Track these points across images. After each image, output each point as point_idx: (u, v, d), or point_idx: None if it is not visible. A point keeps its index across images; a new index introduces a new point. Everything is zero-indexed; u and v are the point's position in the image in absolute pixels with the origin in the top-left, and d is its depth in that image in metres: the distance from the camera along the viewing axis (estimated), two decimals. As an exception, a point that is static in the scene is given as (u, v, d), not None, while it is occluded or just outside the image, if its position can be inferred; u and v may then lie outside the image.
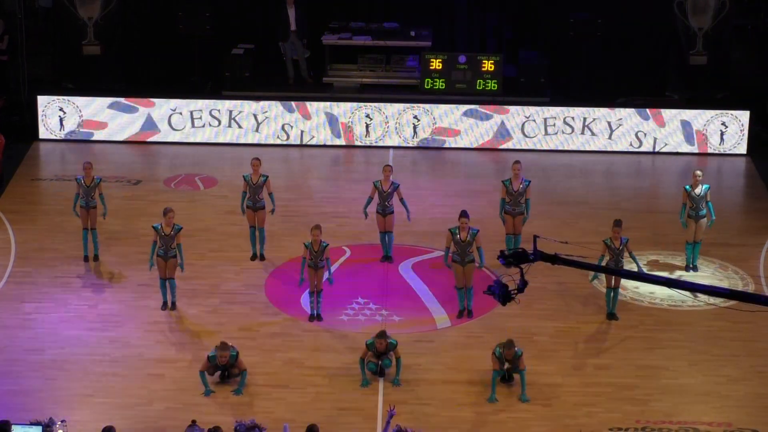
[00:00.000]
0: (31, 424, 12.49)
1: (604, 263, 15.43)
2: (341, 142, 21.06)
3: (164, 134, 21.12)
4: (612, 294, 15.74)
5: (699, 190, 16.68)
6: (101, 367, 14.60)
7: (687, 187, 16.76)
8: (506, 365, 14.22)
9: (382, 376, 14.25)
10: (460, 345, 15.29)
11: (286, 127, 21.05)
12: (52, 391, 14.14)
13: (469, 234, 15.60)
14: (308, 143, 21.06)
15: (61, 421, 12.77)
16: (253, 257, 17.10)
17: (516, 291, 10.21)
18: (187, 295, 15.95)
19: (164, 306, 15.84)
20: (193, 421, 12.92)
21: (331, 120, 21.04)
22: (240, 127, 21.06)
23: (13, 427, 12.16)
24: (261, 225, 16.99)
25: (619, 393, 14.32)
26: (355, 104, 21.01)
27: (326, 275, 15.54)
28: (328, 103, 21.05)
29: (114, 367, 14.61)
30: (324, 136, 21.08)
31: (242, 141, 21.08)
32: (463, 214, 15.69)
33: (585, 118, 20.91)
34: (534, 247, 10.23)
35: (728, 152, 21.03)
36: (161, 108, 21.05)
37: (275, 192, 17.17)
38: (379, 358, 14.43)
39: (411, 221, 17.09)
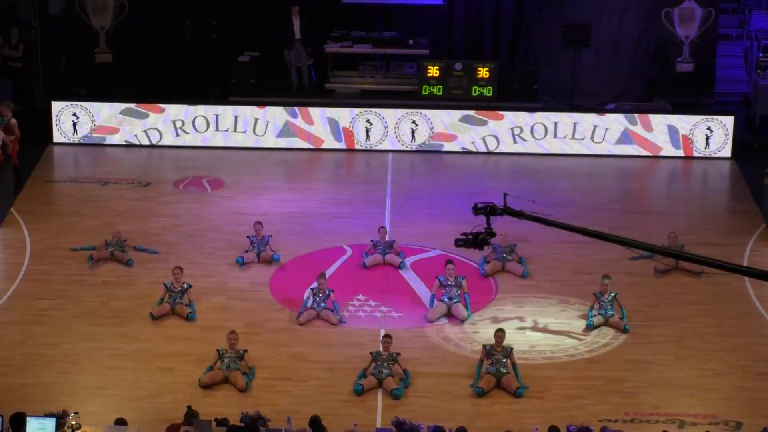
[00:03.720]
0: (46, 415, 12.48)
1: (594, 313, 15.73)
2: (342, 145, 21.32)
3: (173, 138, 21.26)
4: None
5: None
6: (113, 360, 14.78)
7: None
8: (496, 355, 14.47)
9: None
10: (456, 339, 15.49)
11: (290, 132, 21.30)
12: (66, 384, 14.33)
13: (455, 280, 15.86)
14: (311, 147, 21.27)
15: (74, 413, 12.85)
16: None
17: (487, 236, 11.41)
18: (195, 292, 16.08)
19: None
20: (189, 407, 12.86)
21: (333, 125, 21.28)
22: (245, 131, 21.28)
23: (27, 418, 12.12)
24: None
25: (609, 386, 14.45)
26: (355, 110, 21.22)
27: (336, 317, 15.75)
28: (329, 109, 21.20)
29: (125, 360, 14.79)
30: (326, 140, 21.33)
31: (248, 145, 21.22)
32: (449, 261, 15.91)
33: (575, 123, 21.07)
34: (504, 202, 11.45)
35: (713, 155, 21.15)
36: (170, 113, 21.22)
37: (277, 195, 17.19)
38: (381, 369, 14.36)
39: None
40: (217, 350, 14.60)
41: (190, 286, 15.99)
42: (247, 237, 17.28)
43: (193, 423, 12.60)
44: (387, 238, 17.29)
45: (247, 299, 16.28)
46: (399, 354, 14.60)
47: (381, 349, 14.62)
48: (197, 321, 15.88)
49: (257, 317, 15.88)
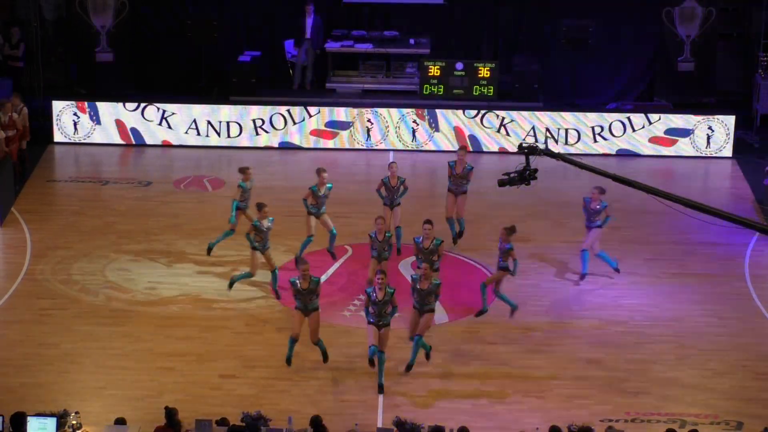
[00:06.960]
0: (46, 415, 12.46)
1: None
2: (343, 145, 21.40)
3: (173, 138, 21.39)
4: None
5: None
6: (113, 360, 14.85)
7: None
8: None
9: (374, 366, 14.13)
10: (456, 339, 15.57)
11: (290, 131, 21.40)
12: (66, 383, 14.40)
13: (432, 243, 15.73)
14: (311, 147, 21.42)
15: (75, 413, 12.89)
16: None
17: (528, 173, 12.41)
18: (196, 292, 16.22)
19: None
20: (166, 407, 12.59)
21: (334, 124, 21.43)
22: (245, 131, 21.42)
23: (28, 418, 12.17)
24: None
25: (610, 386, 14.54)
26: (356, 109, 21.31)
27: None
28: (330, 108, 21.30)
29: (125, 360, 14.86)
30: (326, 139, 21.46)
31: (248, 145, 21.38)
32: (427, 221, 15.78)
33: (576, 123, 21.17)
34: (546, 144, 12.57)
35: (714, 155, 21.33)
36: (170, 112, 21.36)
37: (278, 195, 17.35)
38: (380, 315, 14.24)
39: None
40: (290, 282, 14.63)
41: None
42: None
43: (175, 423, 12.63)
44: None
45: (247, 299, 16.36)
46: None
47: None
48: (198, 321, 15.90)
49: (258, 317, 15.95)
